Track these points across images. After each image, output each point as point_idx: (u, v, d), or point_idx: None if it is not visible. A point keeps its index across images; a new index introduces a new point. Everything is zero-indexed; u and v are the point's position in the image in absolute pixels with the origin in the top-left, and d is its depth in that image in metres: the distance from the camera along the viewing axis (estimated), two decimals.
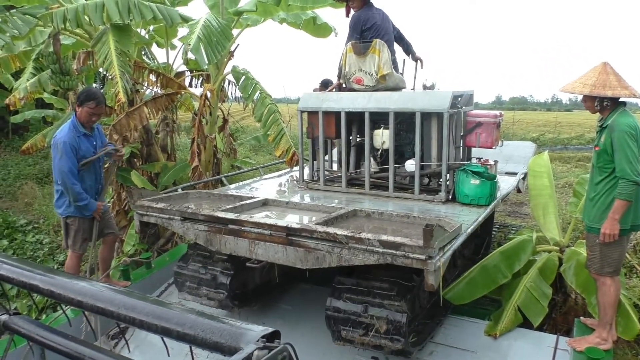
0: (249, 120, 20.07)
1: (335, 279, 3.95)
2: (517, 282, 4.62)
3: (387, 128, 5.12)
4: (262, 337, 1.33)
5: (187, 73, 9.10)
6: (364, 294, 3.76)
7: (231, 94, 8.95)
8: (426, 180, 5.26)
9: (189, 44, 6.17)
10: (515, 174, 6.38)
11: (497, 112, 5.20)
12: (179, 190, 5.38)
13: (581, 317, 4.41)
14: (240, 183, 6.45)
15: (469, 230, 3.86)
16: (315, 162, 5.80)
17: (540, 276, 4.70)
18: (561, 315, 4.97)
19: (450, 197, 4.94)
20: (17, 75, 10.99)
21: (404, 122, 5.31)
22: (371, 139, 5.25)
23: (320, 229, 3.49)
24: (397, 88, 5.52)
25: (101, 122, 5.57)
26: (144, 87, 8.13)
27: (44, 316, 6.15)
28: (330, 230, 3.45)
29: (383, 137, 5.18)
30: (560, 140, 22.58)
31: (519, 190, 6.20)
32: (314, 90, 6.22)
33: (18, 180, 12.59)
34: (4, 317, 2.61)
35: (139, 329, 1.59)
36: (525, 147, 7.92)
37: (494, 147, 5.13)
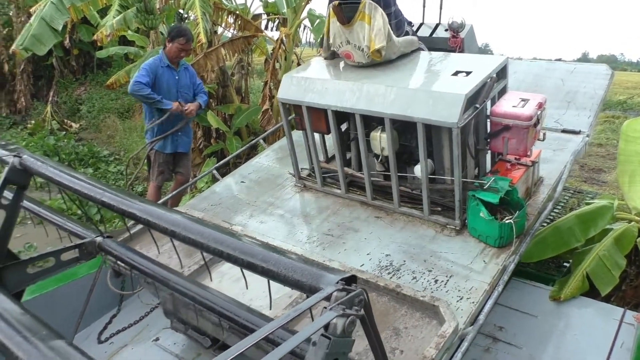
0: None
1: None
2: (589, 248, 4.48)
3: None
4: (341, 279, 1.42)
5: (264, 16, 9.13)
6: None
7: (305, 38, 8.93)
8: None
9: None
10: (575, 132, 4.96)
11: (538, 100, 3.84)
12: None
13: None
14: (243, 167, 5.48)
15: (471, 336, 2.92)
16: (313, 155, 4.63)
17: (615, 245, 4.51)
18: (632, 288, 4.80)
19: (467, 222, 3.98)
20: (102, 12, 11.41)
21: (407, 123, 3.91)
22: (368, 142, 4.12)
23: None
24: (405, 54, 4.31)
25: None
26: (222, 29, 8.27)
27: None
28: None
29: (382, 143, 3.96)
30: None
31: None
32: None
33: (102, 113, 13.33)
34: (99, 239, 2.91)
35: (226, 261, 1.73)
36: (596, 77, 5.83)
37: (528, 154, 3.96)
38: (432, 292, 3.29)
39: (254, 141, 6.02)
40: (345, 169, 4.45)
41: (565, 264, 4.96)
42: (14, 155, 2.38)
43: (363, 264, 3.62)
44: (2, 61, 13.58)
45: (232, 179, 5.19)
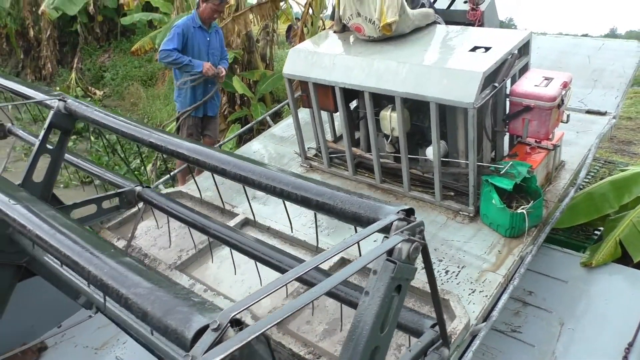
0: None
1: None
2: (623, 215, 4.42)
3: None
4: (401, 210, 1.42)
5: None
6: None
7: (332, 4, 8.81)
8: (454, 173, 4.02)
9: None
10: (601, 113, 4.75)
11: (563, 79, 3.62)
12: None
13: None
14: (247, 145, 5.45)
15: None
16: (319, 134, 4.42)
17: None
18: None
19: None
20: None
21: (420, 102, 3.68)
22: (378, 122, 3.95)
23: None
24: (420, 28, 4.10)
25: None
26: None
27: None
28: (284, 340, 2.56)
29: (392, 123, 3.79)
30: None
31: None
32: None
33: (125, 80, 13.38)
34: (138, 188, 2.95)
35: (279, 197, 1.73)
36: (626, 55, 5.61)
37: (550, 137, 3.74)
38: (442, 283, 3.13)
39: (259, 118, 6.01)
40: (354, 149, 4.30)
41: (596, 231, 4.90)
42: (59, 99, 2.40)
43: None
44: (27, 26, 13.67)
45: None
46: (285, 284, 1.10)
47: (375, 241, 1.37)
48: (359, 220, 1.48)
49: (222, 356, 0.86)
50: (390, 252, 1.27)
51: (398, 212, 1.37)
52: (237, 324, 0.98)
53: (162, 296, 1.04)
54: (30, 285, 2.70)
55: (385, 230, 1.37)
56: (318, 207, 1.57)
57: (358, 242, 1.35)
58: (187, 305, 1.02)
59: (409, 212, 1.41)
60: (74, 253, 1.21)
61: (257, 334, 0.92)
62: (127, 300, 1.06)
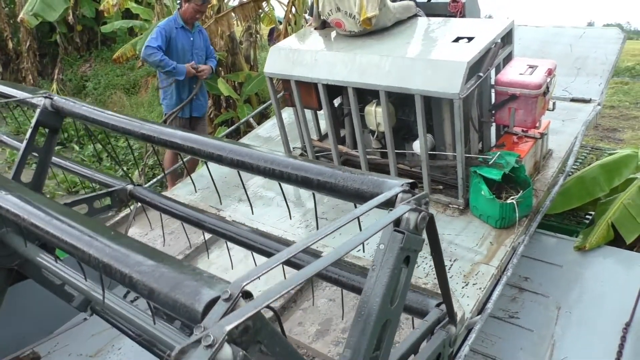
0: None
1: None
2: (614, 198, 4.46)
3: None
4: (406, 183, 1.40)
5: None
6: None
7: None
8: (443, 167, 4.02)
9: None
10: (586, 101, 4.80)
11: (547, 66, 3.62)
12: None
13: None
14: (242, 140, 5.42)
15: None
16: (304, 133, 4.40)
17: None
18: None
19: None
20: None
21: (405, 96, 3.66)
22: (363, 118, 3.93)
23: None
24: (401, 21, 4.04)
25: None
26: None
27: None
28: None
29: (377, 118, 3.77)
30: None
31: None
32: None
33: (108, 89, 13.23)
34: (130, 187, 2.90)
35: (279, 180, 1.70)
36: (607, 42, 5.59)
37: (537, 126, 3.76)
38: (434, 278, 3.16)
39: (244, 119, 5.99)
40: (339, 147, 4.28)
41: (587, 216, 4.94)
42: (45, 97, 2.35)
43: (359, 249, 3.55)
44: (5, 39, 13.44)
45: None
46: (293, 255, 1.07)
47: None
48: (362, 197, 1.45)
49: (236, 323, 0.84)
50: (397, 223, 1.25)
51: (402, 185, 1.35)
52: (247, 295, 0.96)
53: (168, 272, 1.01)
54: (22, 291, 2.64)
55: (390, 203, 1.35)
56: (320, 186, 1.54)
57: (358, 217, 1.33)
58: (195, 279, 0.99)
59: (413, 186, 1.40)
60: (73, 237, 1.17)
61: (270, 301, 0.89)
62: (132, 279, 1.03)
